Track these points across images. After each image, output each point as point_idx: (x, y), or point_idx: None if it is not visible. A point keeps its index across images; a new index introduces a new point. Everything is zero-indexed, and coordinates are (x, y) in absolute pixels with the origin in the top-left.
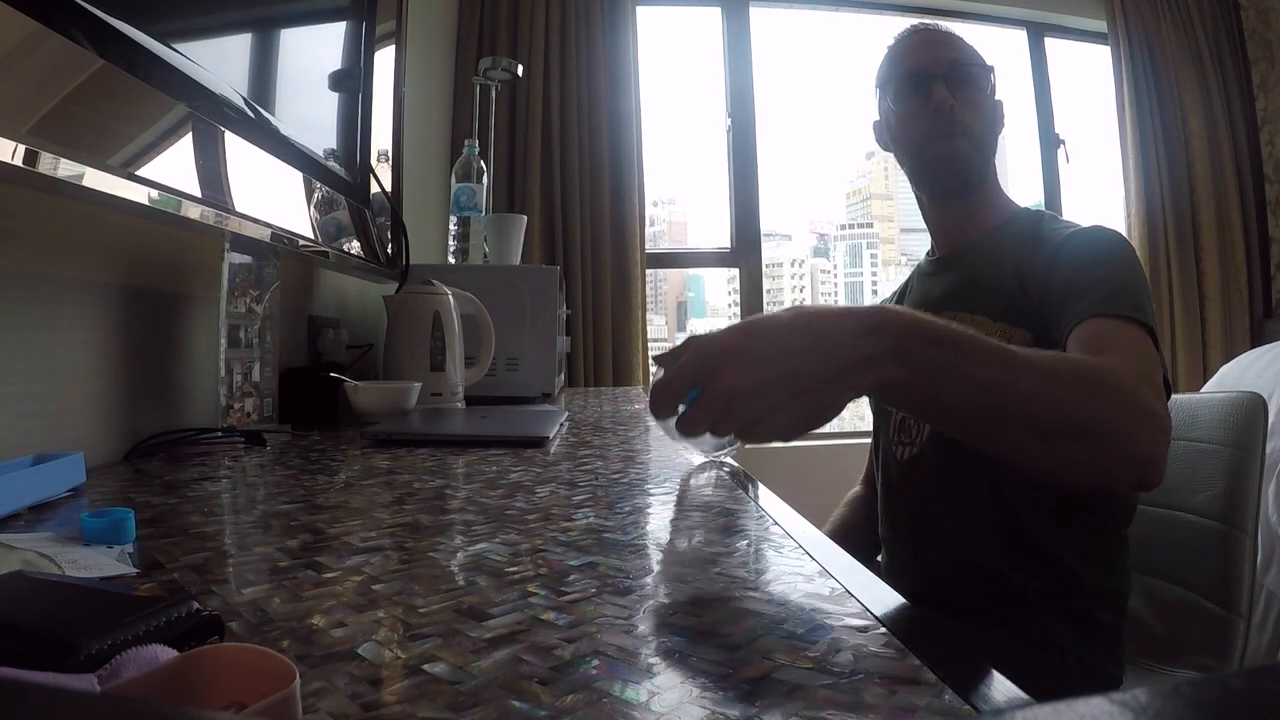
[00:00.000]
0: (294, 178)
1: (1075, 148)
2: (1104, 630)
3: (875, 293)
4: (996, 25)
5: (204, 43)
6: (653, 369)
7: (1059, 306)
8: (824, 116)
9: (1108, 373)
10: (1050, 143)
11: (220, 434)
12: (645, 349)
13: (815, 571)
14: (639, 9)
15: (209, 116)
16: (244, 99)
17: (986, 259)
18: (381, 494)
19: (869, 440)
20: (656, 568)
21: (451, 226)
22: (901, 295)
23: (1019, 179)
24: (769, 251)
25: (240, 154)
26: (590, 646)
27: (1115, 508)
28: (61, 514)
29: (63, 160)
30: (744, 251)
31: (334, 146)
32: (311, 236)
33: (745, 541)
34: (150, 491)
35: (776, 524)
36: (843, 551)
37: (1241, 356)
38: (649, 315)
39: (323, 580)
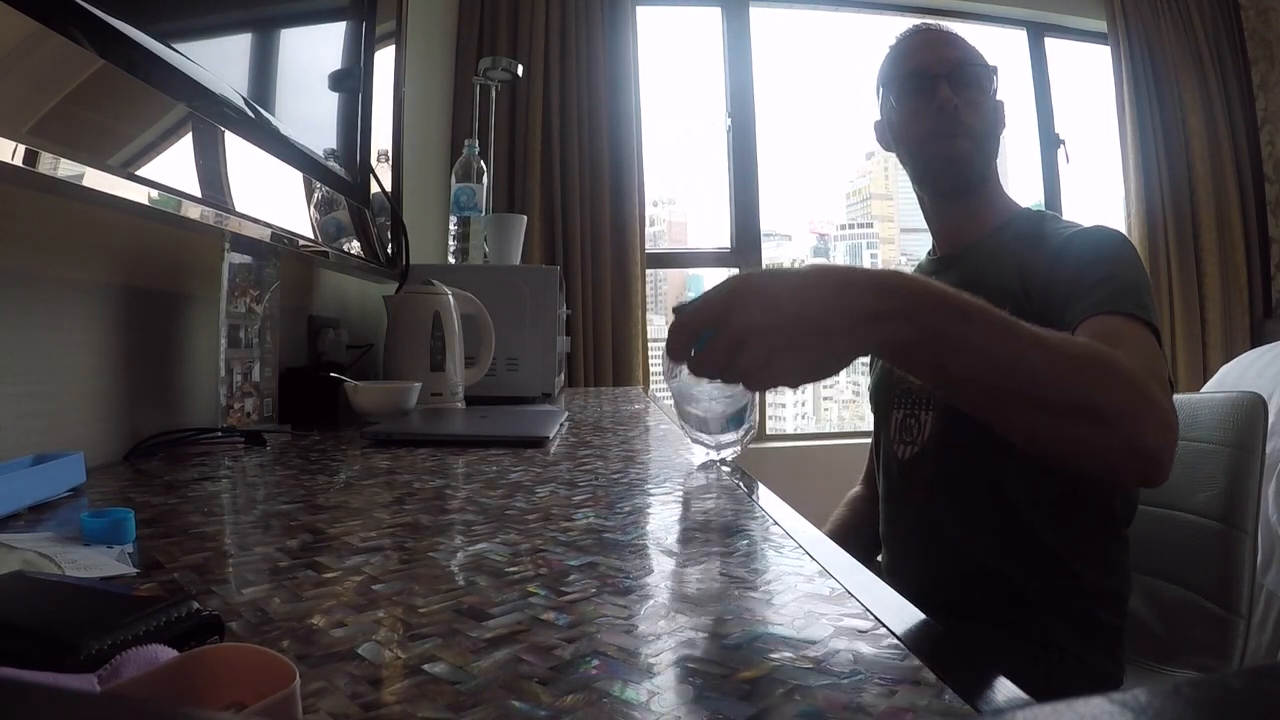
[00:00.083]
0: (294, 178)
1: (1075, 148)
2: (1104, 630)
3: None
4: (996, 25)
5: (204, 43)
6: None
7: (1062, 306)
8: (824, 116)
9: (1117, 361)
10: (1050, 143)
11: (220, 434)
12: (645, 349)
13: (815, 571)
14: (639, 9)
15: (209, 116)
16: (244, 99)
17: (988, 259)
18: (381, 494)
19: (869, 440)
20: (656, 568)
21: (451, 226)
22: None
23: (1019, 179)
24: (769, 251)
25: (240, 154)
26: (590, 646)
27: (1116, 507)
28: (61, 514)
29: (63, 160)
30: (744, 251)
31: (334, 146)
32: (311, 236)
33: (745, 541)
34: (150, 491)
35: (776, 524)
36: (843, 551)
37: (1241, 356)
38: (649, 315)
39: (323, 580)
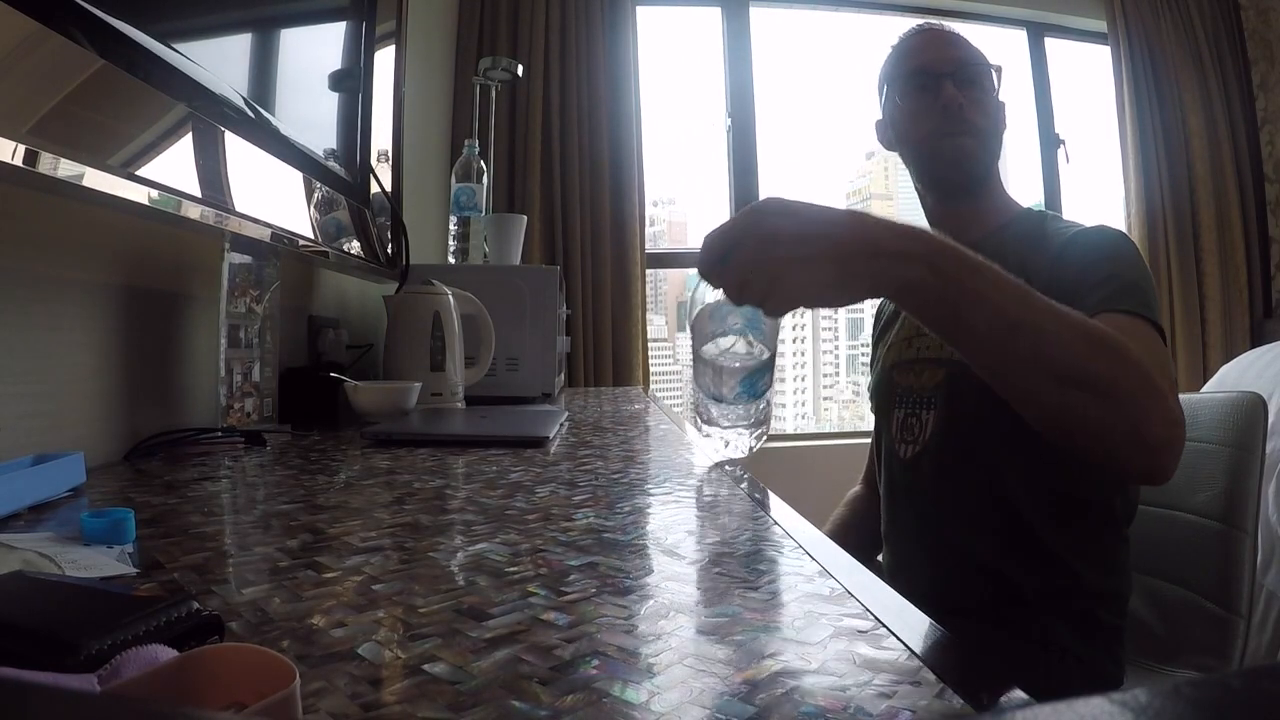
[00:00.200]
0: (294, 178)
1: (1075, 148)
2: (1104, 630)
3: None
4: (996, 25)
5: (204, 43)
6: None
7: (1065, 304)
8: (824, 116)
9: (1128, 348)
10: (1050, 143)
11: (220, 434)
12: (645, 349)
13: (815, 571)
14: (639, 9)
15: (209, 116)
16: (244, 99)
17: (990, 259)
18: (381, 494)
19: (869, 440)
20: (656, 568)
21: (451, 226)
22: None
23: (1019, 179)
24: None
25: (240, 154)
26: (590, 646)
27: (1117, 507)
28: (61, 514)
29: (63, 160)
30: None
31: (334, 146)
32: (311, 236)
33: (745, 541)
34: (150, 491)
35: (777, 524)
36: (843, 551)
37: (1241, 356)
38: (649, 315)
39: (323, 580)
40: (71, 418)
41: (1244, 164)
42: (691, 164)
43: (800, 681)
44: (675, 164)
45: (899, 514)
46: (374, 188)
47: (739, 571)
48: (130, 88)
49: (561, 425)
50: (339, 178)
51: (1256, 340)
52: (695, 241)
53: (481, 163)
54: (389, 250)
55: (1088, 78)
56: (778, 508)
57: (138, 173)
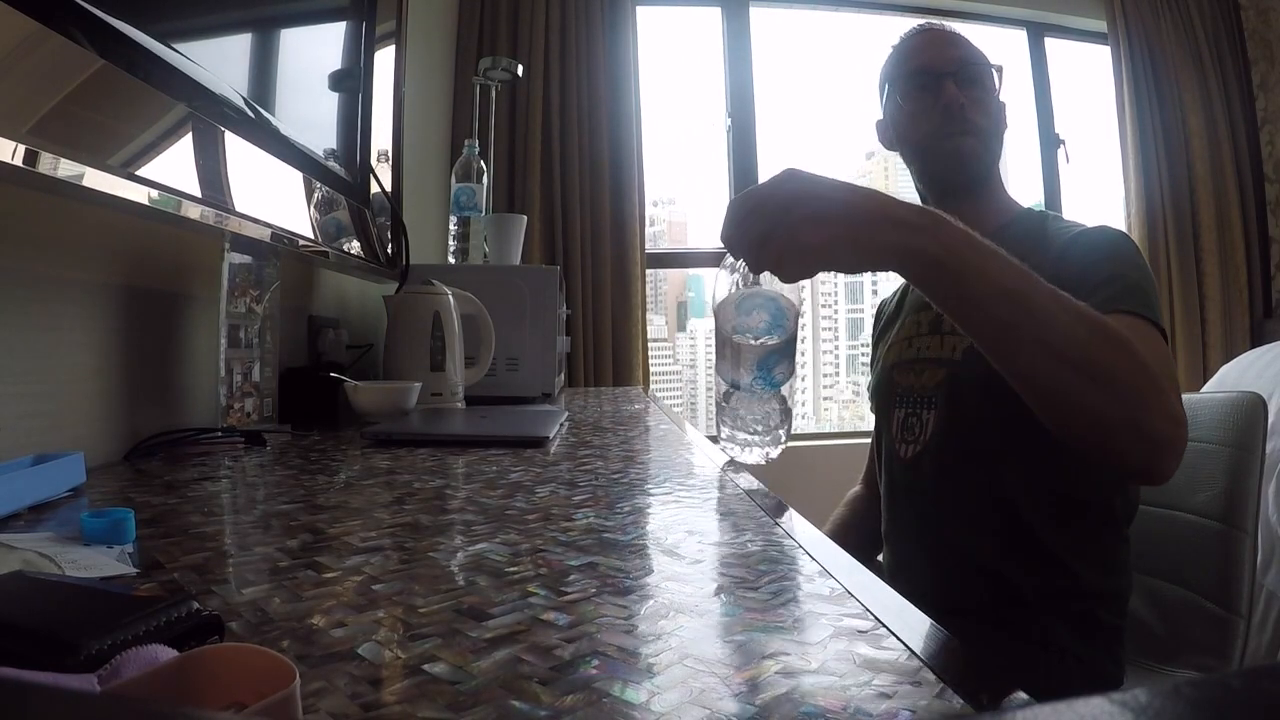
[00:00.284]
0: (294, 178)
1: (1075, 148)
2: (1104, 630)
3: (875, 292)
4: (996, 25)
5: (204, 43)
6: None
7: None
8: (824, 116)
9: (1132, 342)
10: (1050, 143)
11: (220, 434)
12: (645, 349)
13: (815, 571)
14: (639, 9)
15: (209, 116)
16: (244, 99)
17: None
18: (381, 494)
19: (869, 440)
20: (656, 568)
21: (451, 226)
22: (903, 294)
23: (1019, 179)
24: None
25: (240, 154)
26: (590, 646)
27: (1117, 507)
28: (61, 514)
29: (63, 160)
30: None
31: (334, 146)
32: (311, 236)
33: (745, 541)
34: (150, 491)
35: (777, 524)
36: (843, 551)
37: (1241, 356)
38: (649, 315)
39: (323, 580)
40: (71, 418)
41: (1244, 164)
42: (691, 164)
43: (800, 681)
44: (675, 164)
45: (899, 514)
46: (374, 188)
47: (739, 571)
48: (130, 88)
49: (561, 425)
50: (339, 178)
51: (1256, 340)
52: (695, 241)
53: (481, 163)
54: (389, 250)
55: (1088, 78)
56: (778, 508)
57: (138, 173)
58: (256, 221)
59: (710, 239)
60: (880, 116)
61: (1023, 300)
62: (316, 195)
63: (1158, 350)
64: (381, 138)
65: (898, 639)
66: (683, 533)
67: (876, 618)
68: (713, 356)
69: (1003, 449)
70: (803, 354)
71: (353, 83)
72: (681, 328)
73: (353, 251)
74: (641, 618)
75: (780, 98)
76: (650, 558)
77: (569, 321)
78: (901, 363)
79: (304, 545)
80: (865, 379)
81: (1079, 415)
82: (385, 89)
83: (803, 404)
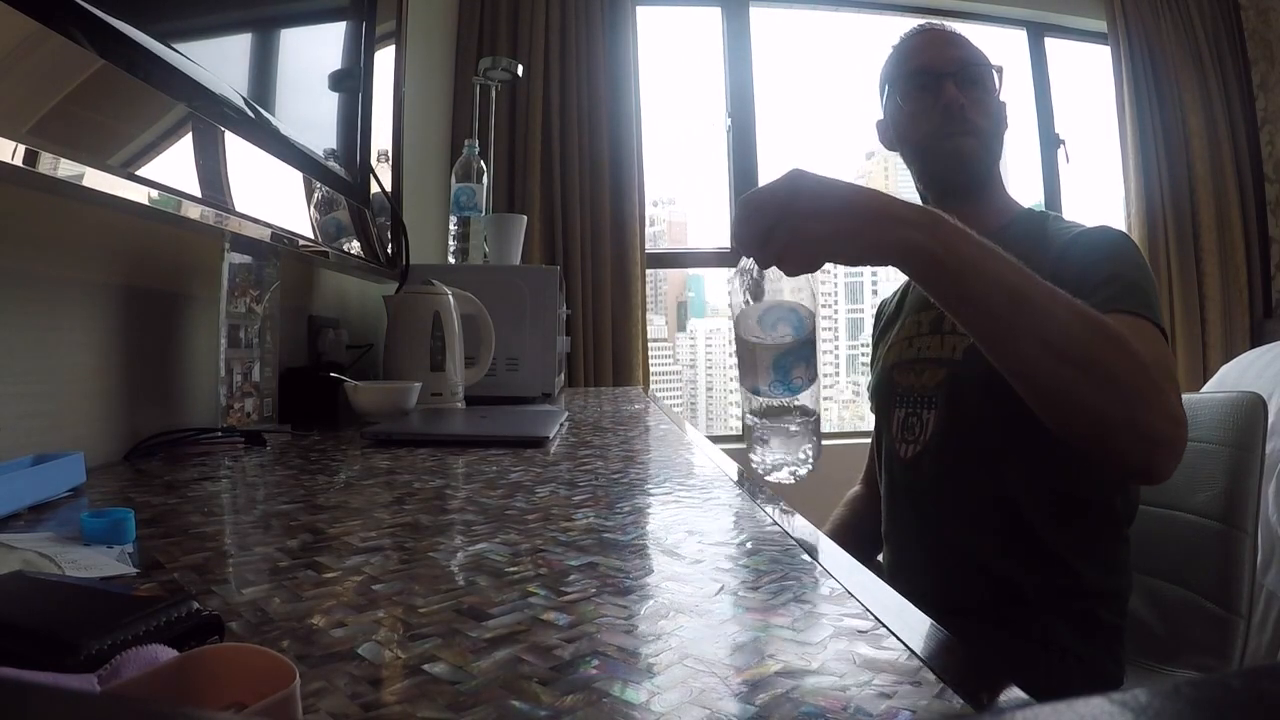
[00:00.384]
0: (294, 178)
1: (1075, 148)
2: (1104, 630)
3: (875, 292)
4: (996, 25)
5: (204, 43)
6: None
7: None
8: (824, 116)
9: (1130, 341)
10: (1050, 143)
11: (220, 434)
12: (645, 349)
13: (815, 571)
14: (639, 9)
15: (209, 116)
16: (244, 99)
17: None
18: (381, 494)
19: (869, 440)
20: (656, 568)
21: (451, 226)
22: (903, 294)
23: (1019, 179)
24: None
25: (240, 154)
26: (590, 646)
27: (1117, 507)
28: (61, 514)
29: (63, 160)
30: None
31: (334, 146)
32: (311, 236)
33: (745, 541)
34: (150, 491)
35: (776, 523)
36: (843, 551)
37: (1241, 356)
38: (649, 315)
39: (323, 580)
40: (71, 418)
41: (1244, 164)
42: (691, 164)
43: (800, 681)
44: (675, 164)
45: (899, 514)
46: (374, 188)
47: (739, 572)
48: (130, 88)
49: (561, 425)
50: (339, 178)
51: (1256, 340)
52: (695, 241)
53: (481, 163)
54: (389, 250)
55: (1088, 78)
56: (778, 508)
57: (138, 173)
58: (256, 221)
59: (710, 239)
60: (880, 117)
61: (1021, 297)
62: (316, 195)
63: (1157, 350)
64: (381, 138)
65: (898, 639)
66: (683, 533)
67: (876, 618)
68: (712, 356)
69: (1003, 448)
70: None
71: (353, 83)
72: (681, 328)
73: (353, 251)
74: (641, 618)
75: (780, 98)
76: (650, 558)
77: (569, 321)
78: (902, 363)
79: (304, 545)
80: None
81: (1078, 413)
82: (385, 89)
83: None
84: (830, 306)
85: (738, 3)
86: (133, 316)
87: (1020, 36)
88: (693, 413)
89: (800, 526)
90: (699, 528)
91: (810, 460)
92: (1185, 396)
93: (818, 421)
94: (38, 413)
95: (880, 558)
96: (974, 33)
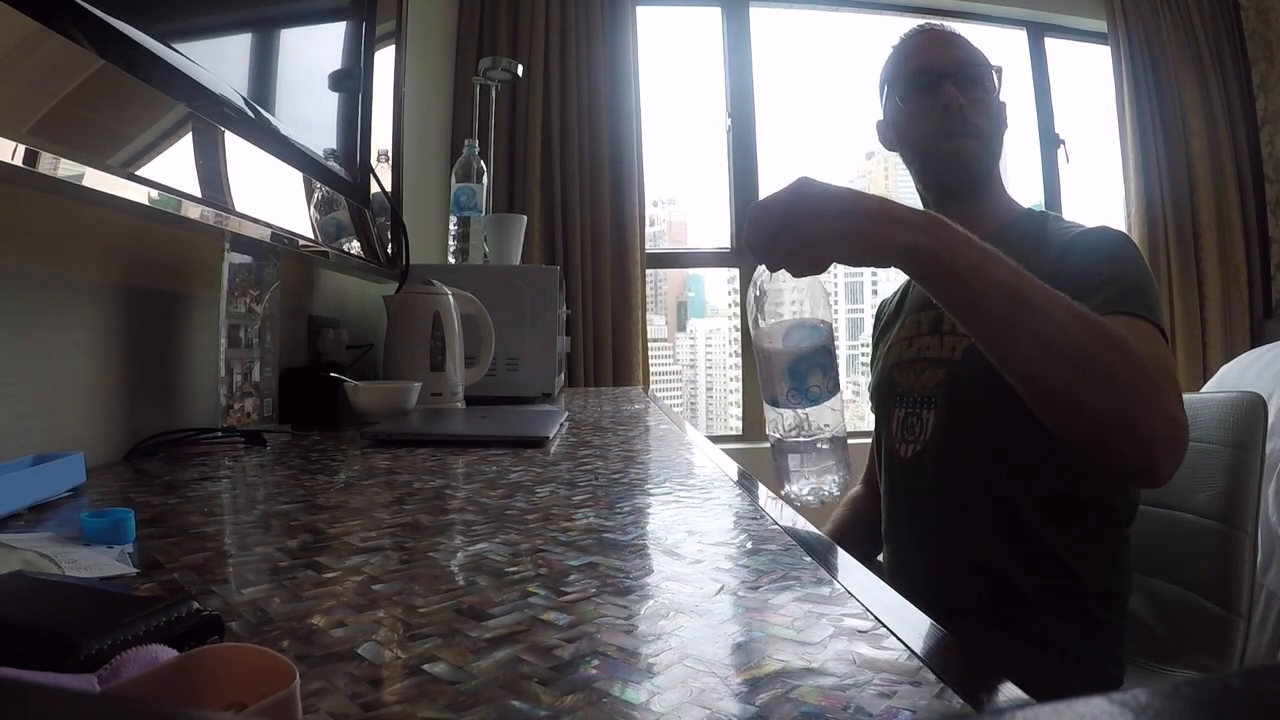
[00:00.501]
0: (294, 178)
1: (1075, 148)
2: (1104, 630)
3: (875, 292)
4: (996, 25)
5: (204, 43)
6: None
7: None
8: (824, 116)
9: (1128, 341)
10: (1050, 143)
11: (220, 434)
12: (645, 349)
13: (815, 571)
14: (639, 9)
15: (209, 116)
16: (244, 99)
17: None
18: (381, 494)
19: (869, 440)
20: (656, 568)
21: (451, 226)
22: (903, 294)
23: (1019, 179)
24: None
25: (240, 154)
26: (590, 646)
27: (1117, 507)
28: (61, 514)
29: (63, 160)
30: (744, 252)
31: (334, 146)
32: (311, 236)
33: (745, 541)
34: (150, 491)
35: (776, 523)
36: (843, 551)
37: (1241, 356)
38: (649, 315)
39: (323, 580)
40: (71, 418)
41: (1244, 164)
42: (691, 164)
43: (800, 681)
44: (675, 164)
45: (899, 514)
46: (374, 188)
47: (739, 571)
48: (130, 88)
49: (561, 425)
50: (339, 178)
51: (1256, 340)
52: (695, 241)
53: (481, 163)
54: (389, 250)
55: (1088, 78)
56: (778, 508)
57: (138, 173)
58: (256, 221)
59: (710, 239)
60: (880, 117)
61: (1020, 298)
62: (316, 195)
63: (1157, 351)
64: (381, 138)
65: (898, 639)
66: (683, 533)
67: (876, 618)
68: (712, 356)
69: (1002, 448)
70: None
71: (353, 83)
72: (681, 328)
73: (353, 251)
74: (641, 618)
75: (780, 98)
76: (650, 558)
77: (569, 321)
78: (902, 362)
79: (304, 545)
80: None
81: (1076, 414)
82: (385, 89)
83: None
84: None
85: (738, 3)
86: (133, 316)
87: (1020, 36)
88: (693, 413)
89: (800, 526)
90: (699, 528)
91: (836, 476)
92: (1185, 396)
93: (844, 443)
94: (38, 413)
95: (880, 558)
96: (974, 33)
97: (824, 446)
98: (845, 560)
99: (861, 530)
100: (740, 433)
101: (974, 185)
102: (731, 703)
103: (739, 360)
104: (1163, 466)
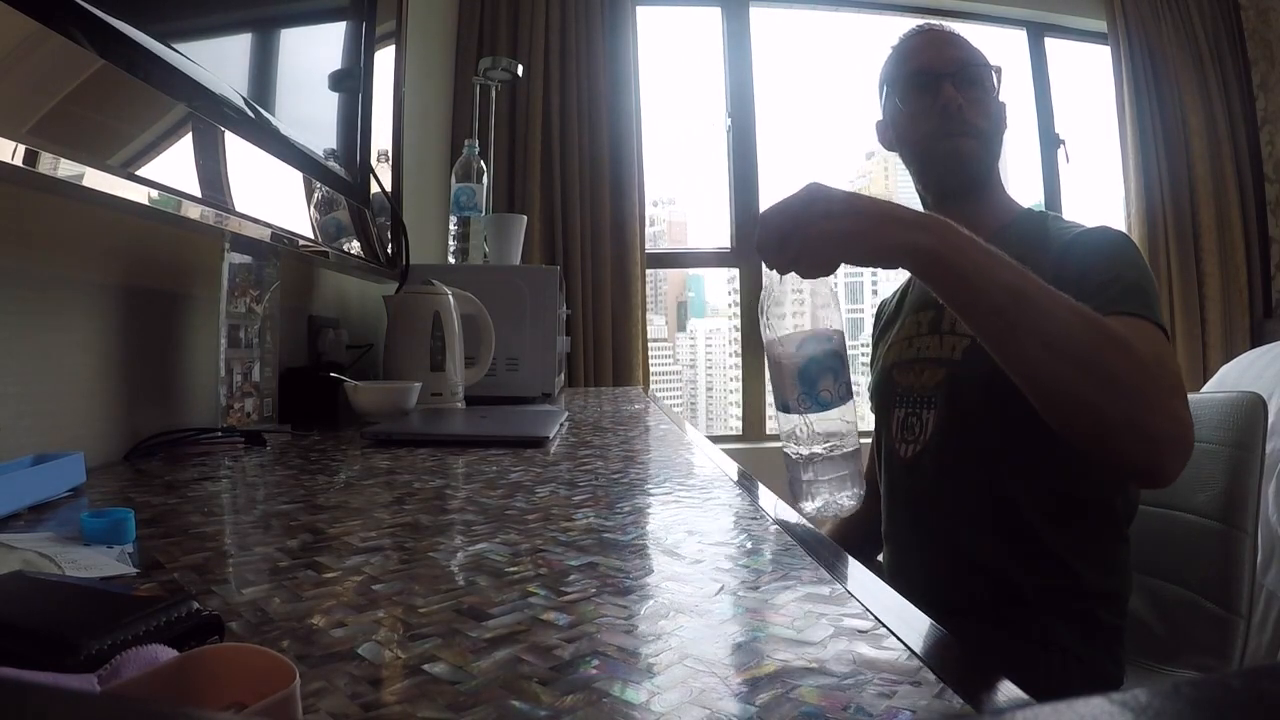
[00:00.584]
0: (294, 178)
1: (1075, 148)
2: (1104, 630)
3: (875, 292)
4: (996, 25)
5: (204, 43)
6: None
7: None
8: (824, 116)
9: (1131, 341)
10: (1050, 143)
11: (220, 434)
12: (645, 349)
13: (815, 571)
14: (639, 9)
15: (209, 116)
16: (244, 99)
17: None
18: (381, 494)
19: (869, 440)
20: (656, 568)
21: (451, 226)
22: (903, 295)
23: (1019, 179)
24: None
25: (240, 154)
26: (590, 646)
27: (1117, 507)
28: (61, 514)
29: (63, 160)
30: (744, 251)
31: (334, 146)
32: (311, 236)
33: (745, 541)
34: (150, 491)
35: (776, 523)
36: (843, 551)
37: (1241, 356)
38: (649, 315)
39: (323, 580)
40: (71, 418)
41: (1244, 164)
42: (691, 164)
43: (800, 681)
44: (675, 164)
45: (899, 514)
46: (374, 188)
47: (739, 572)
48: (130, 88)
49: (561, 425)
50: (339, 178)
51: (1256, 340)
52: (695, 241)
53: (481, 163)
54: (389, 250)
55: (1088, 78)
56: (778, 508)
57: (138, 173)
58: (256, 221)
59: (710, 239)
60: (880, 117)
61: (1023, 297)
62: (316, 195)
63: (1160, 350)
64: (381, 138)
65: (898, 639)
66: (683, 533)
67: (876, 618)
68: (712, 356)
69: (1002, 448)
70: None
71: (353, 83)
72: (681, 328)
73: (353, 251)
74: (641, 618)
75: (780, 98)
76: (650, 558)
77: (569, 321)
78: (901, 362)
79: (304, 545)
80: (865, 379)
81: (1080, 414)
82: (385, 89)
83: None
84: (841, 315)
85: (738, 3)
86: (133, 316)
87: (1020, 36)
88: (693, 413)
89: (800, 526)
90: (699, 528)
91: (852, 489)
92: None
93: (857, 456)
94: (38, 413)
95: (880, 558)
96: (974, 33)
97: (837, 457)
98: (845, 560)
99: (861, 530)
100: (740, 433)
101: (973, 185)
102: (731, 703)
103: (739, 360)
104: (1168, 466)
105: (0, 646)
